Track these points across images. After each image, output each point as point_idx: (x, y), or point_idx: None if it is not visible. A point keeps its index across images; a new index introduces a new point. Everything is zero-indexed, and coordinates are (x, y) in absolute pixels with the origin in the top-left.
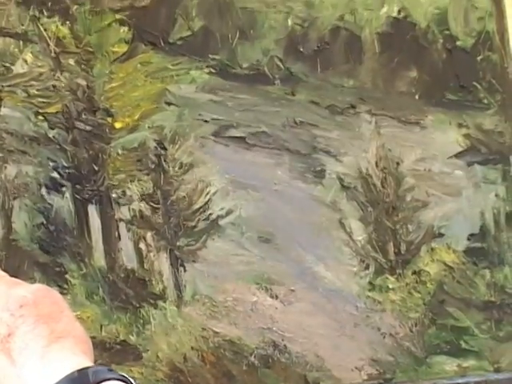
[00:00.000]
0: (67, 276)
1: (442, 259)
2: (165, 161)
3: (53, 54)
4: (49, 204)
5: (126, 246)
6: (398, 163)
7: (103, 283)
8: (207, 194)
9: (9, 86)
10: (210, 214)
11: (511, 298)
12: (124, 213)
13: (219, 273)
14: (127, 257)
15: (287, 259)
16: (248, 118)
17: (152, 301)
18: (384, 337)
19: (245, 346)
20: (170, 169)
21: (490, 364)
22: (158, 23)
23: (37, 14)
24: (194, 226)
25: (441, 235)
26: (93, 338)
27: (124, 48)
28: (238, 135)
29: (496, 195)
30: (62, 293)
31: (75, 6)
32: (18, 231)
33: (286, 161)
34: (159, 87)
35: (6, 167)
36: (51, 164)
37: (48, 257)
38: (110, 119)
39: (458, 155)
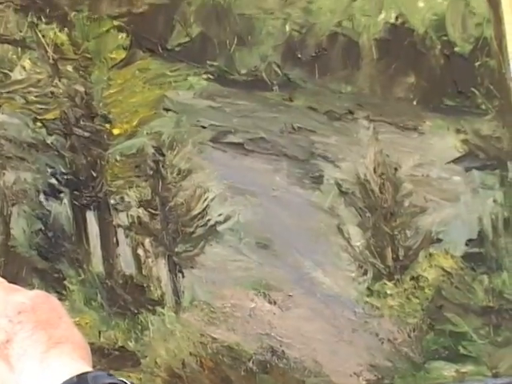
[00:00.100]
0: (65, 282)
1: (440, 265)
2: (163, 167)
3: (51, 61)
4: (47, 210)
5: (124, 252)
6: (395, 169)
7: (101, 289)
8: (205, 199)
9: (7, 92)
10: (208, 220)
11: (509, 303)
12: (122, 219)
13: (217, 279)
14: (125, 263)
15: (285, 265)
16: (246, 124)
17: (150, 307)
18: (382, 342)
19: (243, 352)
20: (168, 175)
21: (489, 369)
22: (156, 30)
23: (35, 20)
24: (192, 232)
25: (439, 241)
26: (91, 344)
27: (122, 54)
28: (236, 141)
29: (494, 201)
30: (60, 299)
31: (73, 13)
32: (16, 237)
33: (284, 166)
34: (157, 93)
35: (4, 174)
36: (49, 170)
37: (46, 263)
38: (108, 125)
39: (455, 161)
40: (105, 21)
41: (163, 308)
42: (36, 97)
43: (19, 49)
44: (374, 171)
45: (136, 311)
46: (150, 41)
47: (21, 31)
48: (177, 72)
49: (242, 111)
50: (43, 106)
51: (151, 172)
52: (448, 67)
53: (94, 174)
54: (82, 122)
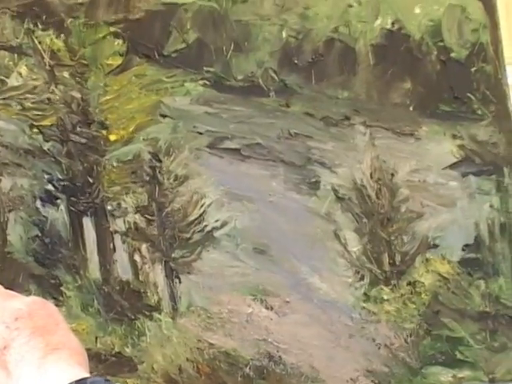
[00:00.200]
0: (62, 288)
1: (437, 270)
2: (159, 173)
3: (47, 67)
4: (44, 216)
5: (121, 257)
6: (392, 174)
7: (98, 295)
8: (202, 205)
9: (3, 98)
10: (205, 226)
11: (506, 308)
12: (119, 225)
13: (214, 284)
14: (122, 269)
15: (282, 270)
16: (243, 130)
17: (147, 312)
18: (379, 348)
19: (240, 358)
20: (165, 181)
21: (485, 374)
22: (153, 36)
23: (31, 27)
24: (189, 238)
25: (435, 246)
26: (88, 349)
27: (118, 60)
28: (233, 147)
29: (490, 206)
30: (57, 305)
31: (70, 19)
32: (13, 244)
33: (280, 172)
34: (154, 99)
35: (0, 180)
36: (46, 176)
37: (43, 269)
38: (104, 132)
39: (452, 166)
40: (101, 27)
41: (160, 314)
42: (32, 103)
43: (15, 55)
44: (371, 177)
45: (133, 317)
46: (146, 47)
47: (17, 38)
48: (173, 78)
49: (239, 117)
50: (40, 113)
51: (148, 178)
52: (444, 73)
53: (91, 180)
54: (78, 129)
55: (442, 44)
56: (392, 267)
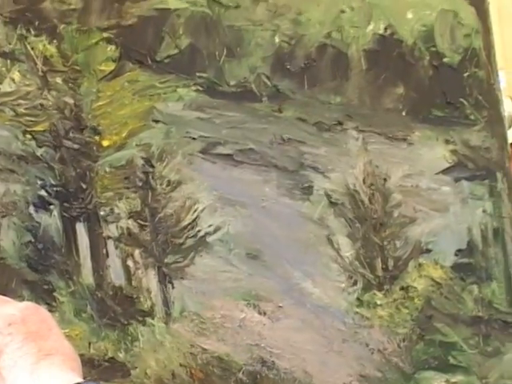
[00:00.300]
0: (55, 294)
1: (430, 275)
2: (152, 178)
3: (40, 73)
4: (37, 222)
5: (114, 263)
6: (385, 179)
7: (91, 301)
8: (195, 211)
9: None
10: (198, 231)
11: (499, 313)
12: (112, 230)
13: (207, 289)
14: (115, 274)
15: (275, 276)
16: (235, 135)
17: (140, 318)
18: (372, 352)
19: (233, 363)
20: (158, 186)
21: (478, 379)
22: (145, 41)
23: (24, 32)
24: (182, 243)
25: (428, 251)
26: (81, 355)
27: (111, 66)
28: (226, 152)
29: (483, 211)
30: (50, 310)
31: (62, 25)
32: (6, 249)
33: (273, 177)
34: (146, 105)
35: None
36: (39, 182)
37: (36, 275)
38: (97, 137)
39: (445, 171)
40: (94, 33)
41: (153, 319)
42: (25, 109)
43: (8, 61)
44: (364, 182)
45: (126, 322)
46: (139, 53)
47: (10, 43)
48: (166, 84)
49: (232, 122)
50: (33, 118)
51: (141, 183)
52: (437, 78)
53: (84, 186)
54: (71, 134)
55: (434, 49)
56: (385, 272)
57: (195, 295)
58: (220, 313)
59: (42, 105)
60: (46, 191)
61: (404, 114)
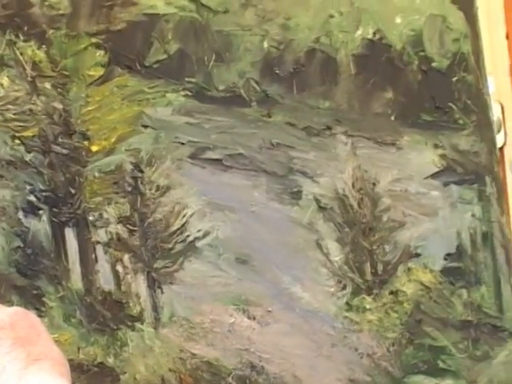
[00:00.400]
0: (44, 299)
1: (419, 279)
2: (141, 183)
3: (29, 78)
4: (26, 227)
5: (103, 268)
6: (374, 184)
7: (80, 306)
8: (184, 216)
9: None
10: (187, 236)
11: (488, 317)
12: (101, 235)
13: (196, 294)
14: (104, 279)
15: (264, 280)
16: (224, 140)
17: (129, 323)
18: (361, 357)
19: (222, 368)
20: (147, 191)
21: (468, 383)
22: (134, 47)
23: (13, 38)
24: (171, 248)
25: (417, 255)
26: (70, 360)
27: (100, 71)
28: (215, 157)
29: (472, 215)
30: (39, 315)
31: (51, 30)
32: None
33: (262, 182)
34: (135, 110)
35: None
36: (28, 187)
37: (25, 280)
38: (86, 142)
39: (434, 175)
40: (83, 38)
41: (142, 324)
42: (14, 114)
43: None
44: (353, 186)
45: (115, 327)
46: (127, 58)
47: None
48: (155, 89)
49: (221, 127)
50: (21, 124)
51: (130, 188)
52: (425, 82)
53: (73, 191)
54: (60, 140)
55: (423, 54)
56: (374, 276)
57: (184, 300)
58: (209, 318)
59: (30, 110)
60: (35, 196)
61: (393, 118)
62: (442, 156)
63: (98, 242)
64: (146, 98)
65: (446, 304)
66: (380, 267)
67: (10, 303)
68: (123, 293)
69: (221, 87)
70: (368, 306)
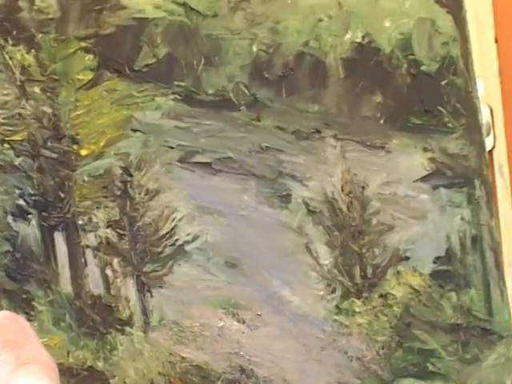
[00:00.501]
0: (34, 303)
1: (408, 282)
2: (131, 187)
3: (18, 82)
4: (15, 231)
5: (92, 272)
6: (363, 187)
7: (70, 309)
8: (173, 219)
9: None
10: (177, 240)
11: (477, 320)
12: (90, 239)
13: (186, 298)
14: (94, 283)
15: (254, 284)
16: (214, 144)
17: (119, 327)
18: (351, 360)
19: (212, 371)
20: (136, 195)
21: None
22: (123, 51)
23: (2, 42)
24: (161, 252)
25: (407, 258)
26: (60, 364)
27: (89, 75)
28: (204, 161)
29: (461, 218)
30: (28, 320)
31: (40, 35)
32: None
33: (252, 186)
34: (125, 114)
35: None
36: (17, 192)
37: (15, 284)
38: (75, 146)
39: (423, 179)
40: (72, 42)
41: (132, 328)
42: (3, 118)
43: None
44: (342, 190)
45: (105, 331)
46: (117, 62)
47: None
48: (144, 93)
49: (210, 131)
50: (11, 128)
51: (119, 192)
52: (415, 86)
53: (62, 195)
54: (49, 144)
55: (412, 57)
56: (363, 280)
57: (174, 304)
58: (199, 321)
59: (20, 114)
60: (25, 200)
61: (382, 121)
62: (431, 159)
63: (88, 246)
64: (135, 102)
65: (435, 307)
66: (369, 270)
67: None
68: (113, 297)
69: (210, 91)
70: (357, 310)
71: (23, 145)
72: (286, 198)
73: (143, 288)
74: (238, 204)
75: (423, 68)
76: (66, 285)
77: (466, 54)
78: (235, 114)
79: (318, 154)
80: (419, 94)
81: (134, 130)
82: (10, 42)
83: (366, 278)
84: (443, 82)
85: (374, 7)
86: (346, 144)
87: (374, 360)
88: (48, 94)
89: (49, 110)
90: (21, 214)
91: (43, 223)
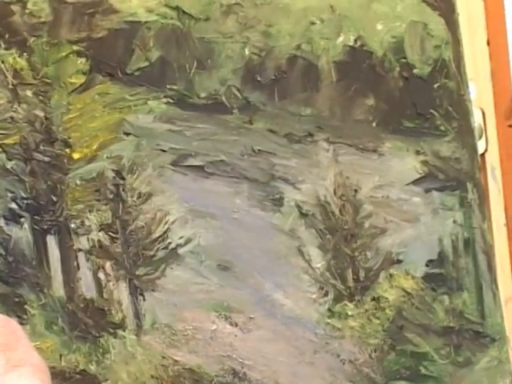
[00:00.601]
0: (26, 306)
1: (401, 285)
2: (123, 190)
3: (10, 86)
4: (7, 235)
5: (85, 275)
6: (356, 190)
7: (62, 313)
8: (166, 223)
9: None
10: (169, 243)
11: (470, 323)
12: (83, 243)
13: (178, 301)
14: (86, 286)
15: (246, 287)
16: (206, 147)
17: (111, 330)
18: (343, 363)
19: (205, 374)
20: (129, 198)
21: None
22: (116, 54)
23: None
24: (153, 255)
25: (399, 261)
26: (52, 367)
27: (81, 79)
28: (197, 164)
29: (454, 221)
30: (21, 323)
31: (32, 38)
32: None
33: (244, 189)
34: (117, 117)
35: None
36: (10, 195)
37: (7, 287)
38: (68, 150)
39: (415, 182)
40: (64, 46)
41: (124, 331)
42: None
43: None
44: (334, 193)
45: (97, 335)
46: (109, 65)
47: None
48: (136, 96)
49: (202, 134)
50: (3, 131)
51: (111, 196)
52: (407, 89)
53: (55, 199)
54: (41, 147)
55: (404, 60)
56: (356, 283)
57: (166, 307)
58: (191, 324)
59: (12, 118)
60: (17, 204)
61: (374, 125)
62: (424, 162)
63: (80, 250)
64: (127, 105)
65: (427, 310)
66: (362, 274)
67: None
68: (105, 300)
69: (202, 94)
70: (350, 313)
71: (15, 148)
72: (278, 201)
73: (136, 291)
74: (230, 207)
75: (415, 71)
76: (58, 288)
77: (458, 57)
78: (228, 118)
79: (310, 158)
80: (411, 97)
81: (127, 134)
82: (2, 45)
83: (358, 281)
84: (435, 85)
85: (367, 11)
86: (339, 147)
87: (366, 363)
88: (40, 97)
89: (41, 114)
90: (13, 217)
91: (35, 227)
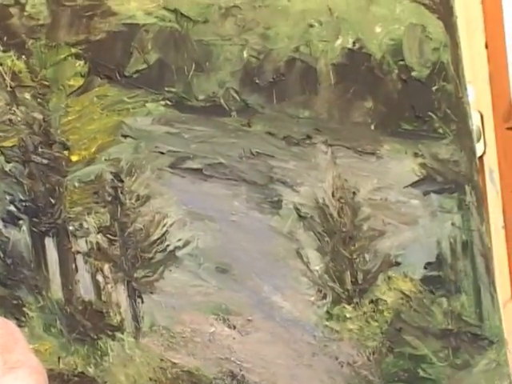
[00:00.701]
0: (25, 309)
1: (399, 288)
2: (121, 193)
3: (9, 88)
4: (6, 237)
5: (83, 278)
6: (354, 193)
7: (61, 315)
8: (164, 225)
9: None
10: (167, 246)
11: (468, 325)
12: (81, 245)
13: (177, 304)
14: (85, 289)
15: (244, 289)
16: (205, 150)
17: (110, 332)
18: (342, 366)
19: (203, 377)
20: (127, 201)
21: None
22: (114, 57)
23: None
24: (152, 258)
25: (397, 264)
26: (51, 370)
27: (80, 81)
28: (195, 167)
29: (452, 224)
30: (19, 325)
31: (31, 41)
32: None
33: (242, 191)
34: (115, 120)
35: None
36: (8, 197)
37: (5, 290)
38: (66, 152)
39: (414, 184)
40: (62, 48)
41: (123, 333)
42: None
43: None
44: (333, 195)
45: (95, 337)
46: (107, 68)
47: None
48: (135, 98)
49: (201, 137)
50: (1, 134)
51: (110, 198)
52: (405, 92)
53: (53, 201)
54: (40, 150)
55: (402, 63)
56: (354, 285)
57: (165, 310)
58: (190, 327)
59: (10, 120)
60: (15, 206)
61: (373, 127)
62: (422, 165)
63: (78, 252)
64: (125, 107)
65: (426, 313)
66: (360, 276)
67: None
68: (103, 302)
69: (201, 97)
70: (348, 315)
71: (14, 151)
72: (276, 204)
73: (134, 294)
74: (228, 210)
75: (414, 74)
76: (56, 291)
77: (457, 59)
78: (226, 120)
79: (308, 160)
80: (410, 99)
81: (125, 136)
82: (1, 48)
83: (356, 284)
84: (434, 88)
85: (365, 13)
86: (337, 150)
87: (364, 365)
88: (39, 99)
89: (39, 116)
90: (11, 219)
91: (34, 229)
